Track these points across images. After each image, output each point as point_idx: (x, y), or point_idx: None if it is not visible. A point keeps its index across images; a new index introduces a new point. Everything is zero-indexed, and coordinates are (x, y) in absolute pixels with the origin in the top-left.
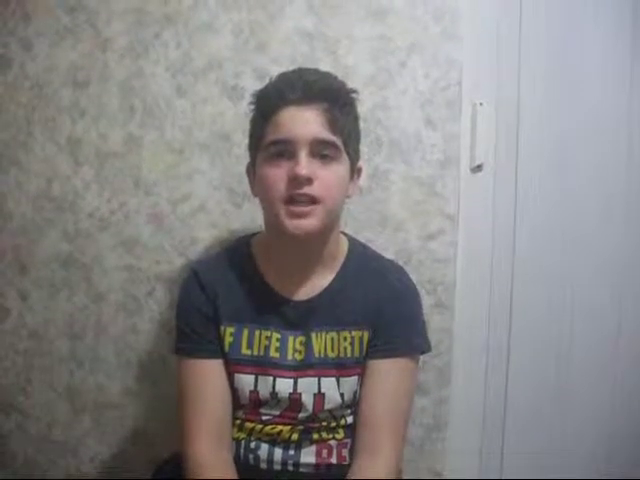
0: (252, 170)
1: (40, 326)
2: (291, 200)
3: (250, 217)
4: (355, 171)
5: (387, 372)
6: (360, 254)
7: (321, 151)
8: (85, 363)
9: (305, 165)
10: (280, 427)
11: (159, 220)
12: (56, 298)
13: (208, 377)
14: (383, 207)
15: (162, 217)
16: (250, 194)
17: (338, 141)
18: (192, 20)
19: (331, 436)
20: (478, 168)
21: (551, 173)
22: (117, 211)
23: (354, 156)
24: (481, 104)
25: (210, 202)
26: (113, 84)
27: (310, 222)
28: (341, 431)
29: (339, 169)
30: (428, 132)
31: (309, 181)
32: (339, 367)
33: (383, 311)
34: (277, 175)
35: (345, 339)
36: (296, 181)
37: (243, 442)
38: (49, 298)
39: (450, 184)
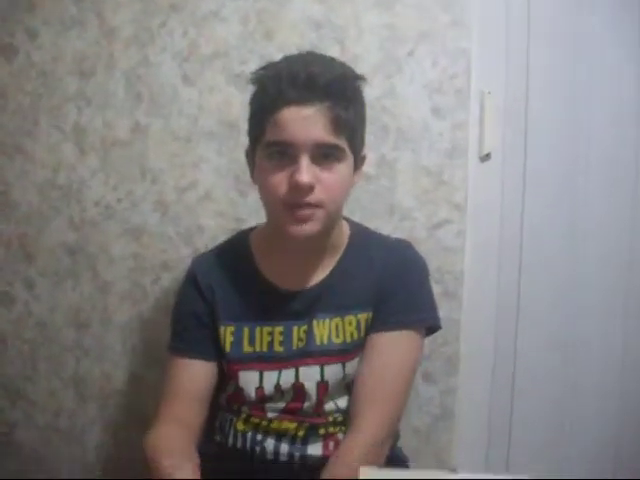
0: (252, 157)
1: (46, 315)
2: (292, 205)
3: (256, 205)
4: (359, 160)
5: (385, 346)
6: (362, 237)
7: (324, 154)
8: (91, 351)
9: (306, 173)
10: (286, 424)
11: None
12: (62, 287)
13: (192, 377)
14: (390, 196)
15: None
16: None
17: (342, 142)
18: (198, 8)
19: (338, 429)
20: (486, 157)
21: (560, 162)
22: (123, 199)
23: (359, 147)
24: (489, 93)
25: (216, 190)
26: (119, 73)
27: (311, 227)
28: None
29: (342, 169)
30: (436, 121)
31: (310, 189)
32: (344, 352)
33: (385, 284)
34: (277, 179)
35: (350, 323)
36: (297, 188)
37: (249, 435)
38: (55, 287)
39: (458, 173)
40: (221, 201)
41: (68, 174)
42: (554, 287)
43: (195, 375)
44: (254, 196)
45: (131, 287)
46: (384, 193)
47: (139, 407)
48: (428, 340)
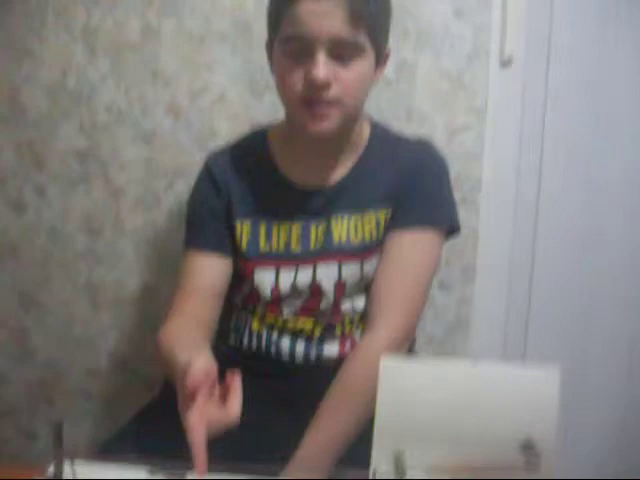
0: (270, 51)
1: (57, 222)
2: (309, 101)
3: (271, 108)
4: (383, 56)
5: (403, 245)
6: (383, 136)
7: (342, 50)
8: (104, 259)
9: (323, 69)
10: (302, 322)
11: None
12: (73, 193)
13: (207, 272)
14: (409, 100)
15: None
16: (272, 85)
17: (362, 37)
18: None
19: (355, 329)
20: (508, 62)
21: (583, 68)
22: (135, 103)
23: (382, 43)
24: None
25: (230, 93)
26: None
27: (329, 124)
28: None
29: (361, 66)
30: (457, 23)
31: (327, 85)
32: (362, 251)
33: (405, 182)
34: (294, 75)
35: (369, 222)
36: (313, 85)
37: (264, 334)
38: (66, 193)
39: (478, 77)
40: (235, 104)
41: (78, 77)
42: (574, 194)
43: (210, 270)
44: (269, 98)
45: (143, 193)
46: (403, 97)
47: (153, 316)
48: (445, 248)
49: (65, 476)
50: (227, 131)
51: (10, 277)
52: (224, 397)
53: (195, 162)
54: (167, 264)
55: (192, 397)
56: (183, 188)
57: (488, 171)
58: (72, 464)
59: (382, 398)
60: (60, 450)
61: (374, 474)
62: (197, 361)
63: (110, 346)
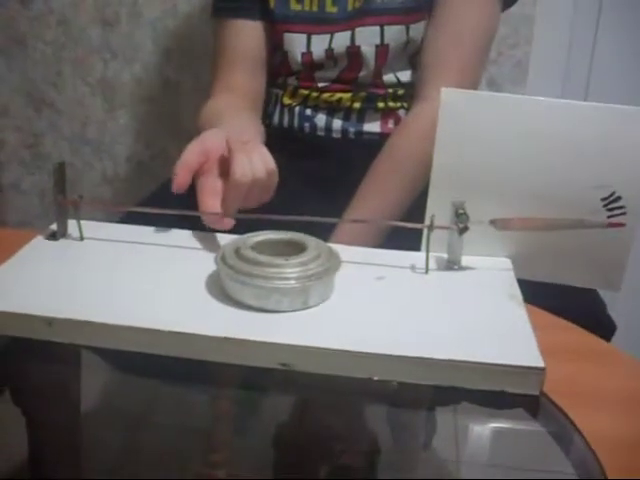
0: None
1: (69, 12)
2: None
3: None
4: None
5: (457, 5)
6: None
7: None
8: (120, 53)
9: None
10: (340, 94)
11: None
12: None
13: (242, 38)
14: None
15: None
16: None
17: None
18: None
19: (399, 104)
20: None
21: None
22: None
23: None
24: None
25: None
26: None
27: None
28: (410, 101)
29: None
30: None
31: None
32: (408, 12)
33: None
34: None
35: None
36: None
37: (297, 109)
38: None
39: None
40: None
41: None
42: None
43: (244, 36)
44: None
45: None
46: None
47: (173, 115)
48: (495, 42)
49: (72, 236)
50: None
51: (19, 76)
52: None
53: None
54: (189, 57)
55: (187, 174)
56: None
57: None
58: (77, 216)
59: (441, 139)
60: (62, 197)
61: (432, 222)
62: (204, 136)
63: (127, 150)
